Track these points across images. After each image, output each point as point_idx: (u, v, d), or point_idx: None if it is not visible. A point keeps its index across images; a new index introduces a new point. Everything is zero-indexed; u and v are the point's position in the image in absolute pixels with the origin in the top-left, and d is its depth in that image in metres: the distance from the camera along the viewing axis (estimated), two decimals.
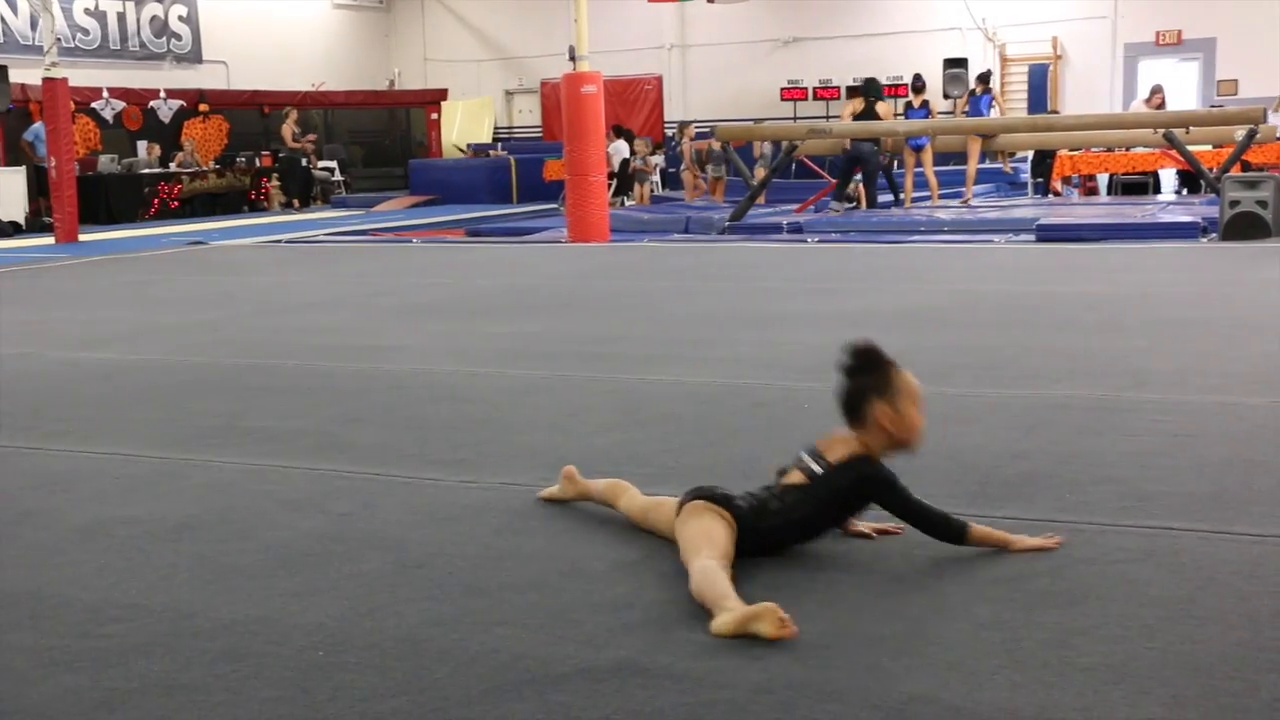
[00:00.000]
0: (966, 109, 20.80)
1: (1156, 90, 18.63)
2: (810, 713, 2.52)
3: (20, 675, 2.83)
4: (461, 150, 25.82)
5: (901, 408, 3.40)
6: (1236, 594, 3.09)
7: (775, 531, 3.39)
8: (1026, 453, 4.50)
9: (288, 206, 22.90)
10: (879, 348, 3.46)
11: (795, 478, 3.44)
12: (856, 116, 16.50)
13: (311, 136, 24.59)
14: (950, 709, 2.52)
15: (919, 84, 18.66)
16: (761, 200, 17.46)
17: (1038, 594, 3.12)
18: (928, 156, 17.15)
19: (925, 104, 18.40)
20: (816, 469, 3.41)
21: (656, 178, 21.55)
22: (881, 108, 16.94)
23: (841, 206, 16.64)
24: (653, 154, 21.66)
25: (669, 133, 24.75)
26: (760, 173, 17.57)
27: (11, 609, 3.25)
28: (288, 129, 23.35)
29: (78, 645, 2.99)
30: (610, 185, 17.79)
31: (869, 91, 16.86)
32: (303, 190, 23.52)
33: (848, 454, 3.42)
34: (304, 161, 23.66)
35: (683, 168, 20.77)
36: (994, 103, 20.52)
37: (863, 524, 3.56)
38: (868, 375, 3.43)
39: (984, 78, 20.77)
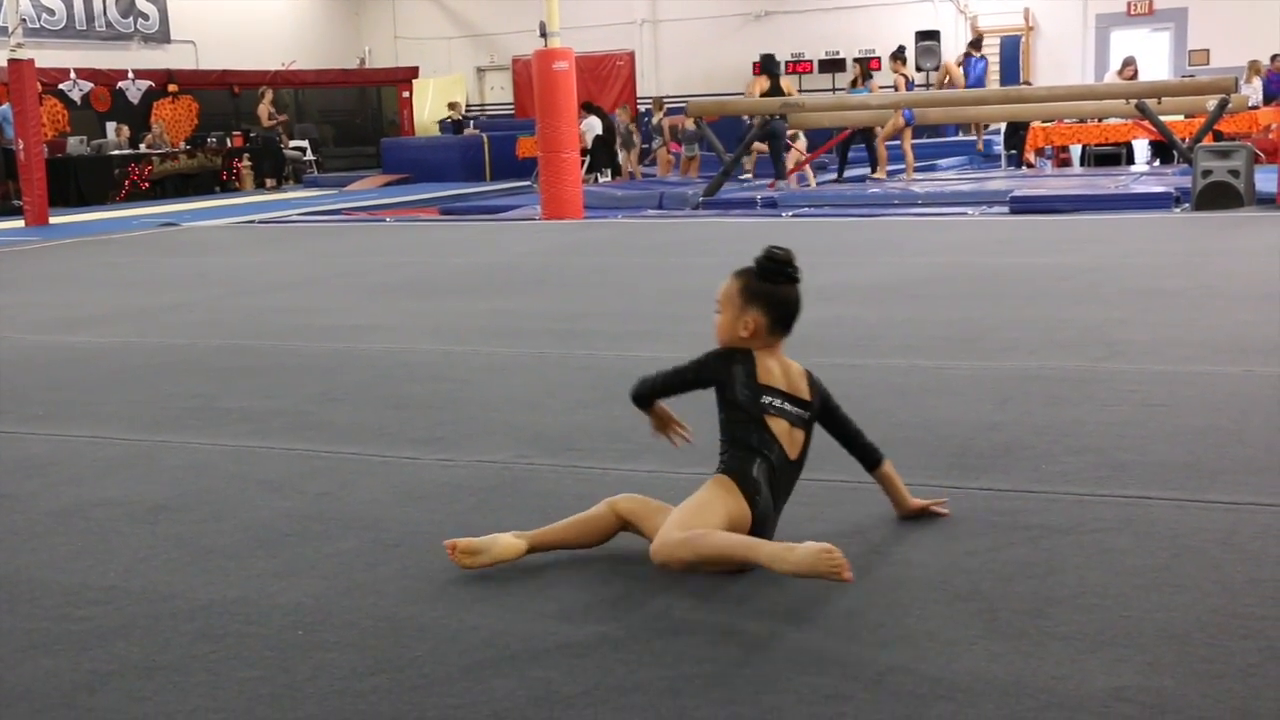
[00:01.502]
0: (963, 66, 20.73)
1: (1128, 62, 18.67)
2: (789, 685, 2.53)
3: None
4: (450, 108, 25.57)
5: None
6: (1211, 562, 3.12)
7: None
8: (1002, 424, 4.52)
9: (261, 186, 22.76)
10: None
11: (797, 435, 3.27)
12: (765, 93, 16.89)
13: (283, 117, 24.44)
14: (928, 679, 2.53)
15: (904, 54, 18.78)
16: (751, 175, 17.73)
17: (1014, 564, 3.14)
18: (907, 131, 17.21)
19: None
20: (804, 414, 3.29)
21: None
22: (784, 83, 17.61)
23: (792, 180, 16.89)
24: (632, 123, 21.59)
25: (642, 109, 24.68)
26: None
27: None
28: (264, 109, 23.19)
29: (56, 628, 2.98)
30: (583, 162, 17.76)
31: (770, 68, 17.16)
32: (277, 170, 23.39)
33: (805, 377, 3.32)
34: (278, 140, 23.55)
35: (656, 144, 20.72)
36: (989, 66, 20.65)
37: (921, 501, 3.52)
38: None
39: (976, 43, 20.82)
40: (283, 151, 23.76)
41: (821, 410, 3.36)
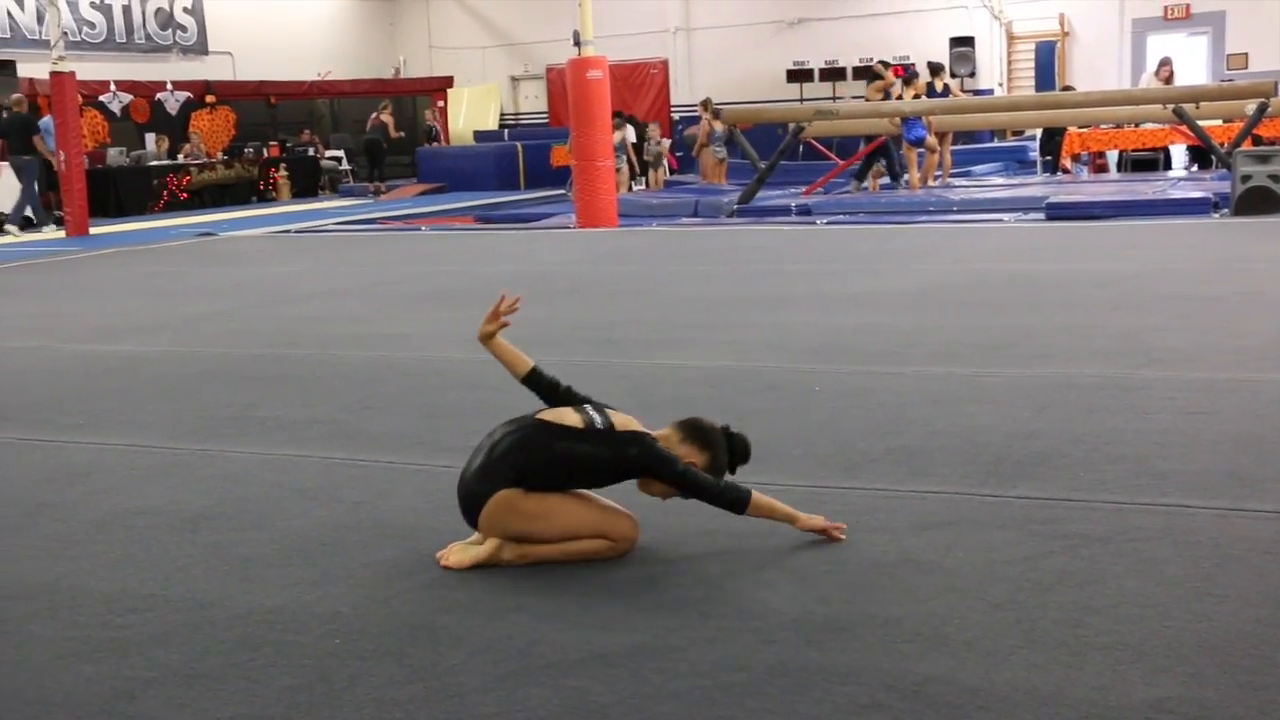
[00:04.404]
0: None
1: (1165, 62, 18.53)
2: (826, 694, 2.52)
3: (41, 665, 2.84)
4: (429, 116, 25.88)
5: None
6: (1253, 571, 3.09)
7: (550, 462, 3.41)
8: (1039, 432, 4.49)
9: (373, 190, 22.87)
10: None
11: (571, 418, 3.45)
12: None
13: (306, 134, 24.70)
14: (967, 690, 2.52)
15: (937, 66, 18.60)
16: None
17: (1053, 573, 3.12)
18: (946, 140, 17.16)
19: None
20: (598, 421, 3.44)
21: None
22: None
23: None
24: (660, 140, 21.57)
25: (675, 116, 24.69)
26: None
27: (31, 600, 3.27)
28: (389, 118, 23.38)
29: (97, 635, 3.00)
30: (623, 169, 17.80)
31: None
32: (381, 175, 23.53)
33: (638, 429, 3.45)
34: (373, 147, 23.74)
35: (696, 147, 20.61)
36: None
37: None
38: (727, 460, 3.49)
39: (935, 69, 19.06)
40: (385, 157, 23.91)
41: (634, 462, 3.43)
